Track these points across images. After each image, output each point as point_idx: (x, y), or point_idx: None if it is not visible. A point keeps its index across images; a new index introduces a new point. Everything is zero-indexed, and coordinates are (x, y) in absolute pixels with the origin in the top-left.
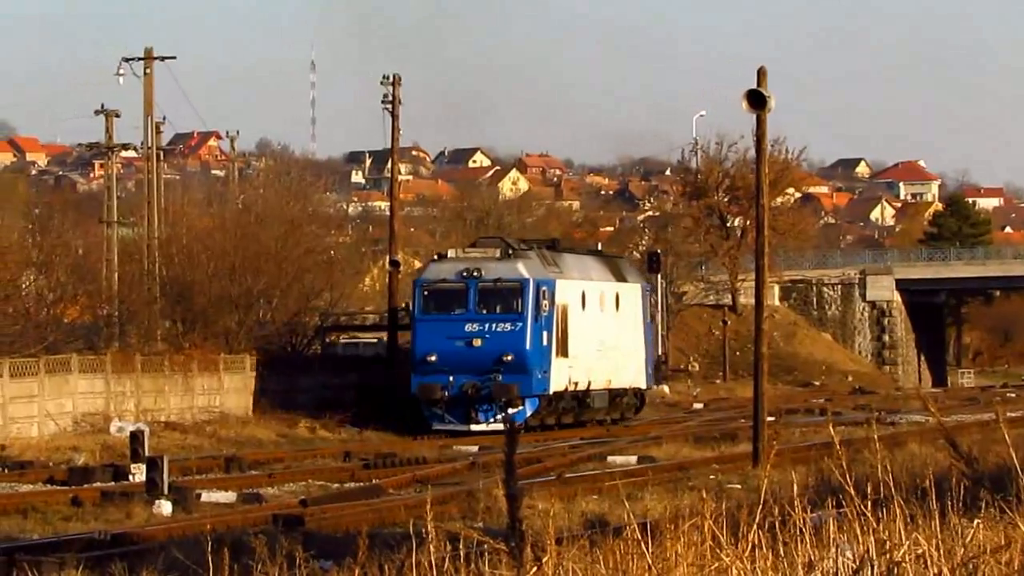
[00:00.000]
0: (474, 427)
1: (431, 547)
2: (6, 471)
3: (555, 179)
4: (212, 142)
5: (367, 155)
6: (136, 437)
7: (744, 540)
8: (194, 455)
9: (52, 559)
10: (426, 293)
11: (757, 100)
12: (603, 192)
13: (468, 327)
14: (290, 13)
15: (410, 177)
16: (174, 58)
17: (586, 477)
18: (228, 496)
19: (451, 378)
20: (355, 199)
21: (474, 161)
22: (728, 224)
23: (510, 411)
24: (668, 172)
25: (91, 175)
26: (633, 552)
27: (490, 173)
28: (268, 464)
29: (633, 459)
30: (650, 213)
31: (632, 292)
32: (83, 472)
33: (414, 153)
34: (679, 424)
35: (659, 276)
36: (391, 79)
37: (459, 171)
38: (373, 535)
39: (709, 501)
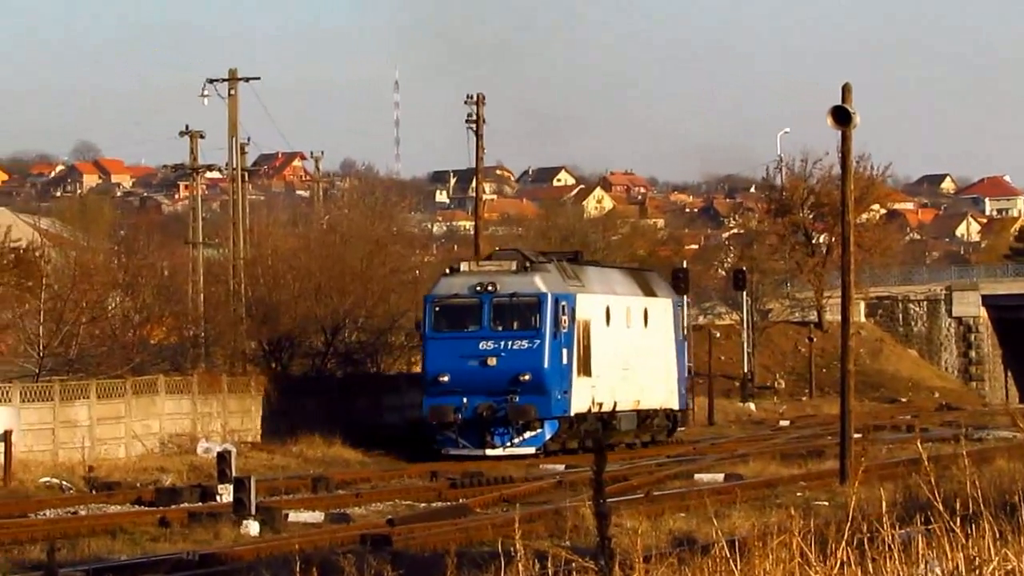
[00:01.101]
0: (489, 452)
1: (520, 565)
2: (94, 492)
3: (640, 197)
4: (296, 163)
5: (451, 174)
6: (223, 457)
7: (832, 557)
8: (281, 475)
9: None
10: (437, 309)
11: (842, 116)
12: (688, 210)
13: (482, 345)
14: (374, 33)
15: (494, 196)
16: (258, 79)
17: (673, 495)
18: (315, 516)
19: (465, 399)
20: (439, 218)
21: (558, 179)
22: (813, 241)
23: (527, 435)
24: (753, 189)
25: (176, 196)
26: (722, 569)
27: (574, 191)
28: (355, 484)
29: (720, 477)
30: (735, 230)
31: (662, 307)
32: (170, 493)
33: (498, 172)
34: (765, 441)
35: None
36: (475, 98)
37: (543, 189)
38: (460, 554)
39: (797, 518)
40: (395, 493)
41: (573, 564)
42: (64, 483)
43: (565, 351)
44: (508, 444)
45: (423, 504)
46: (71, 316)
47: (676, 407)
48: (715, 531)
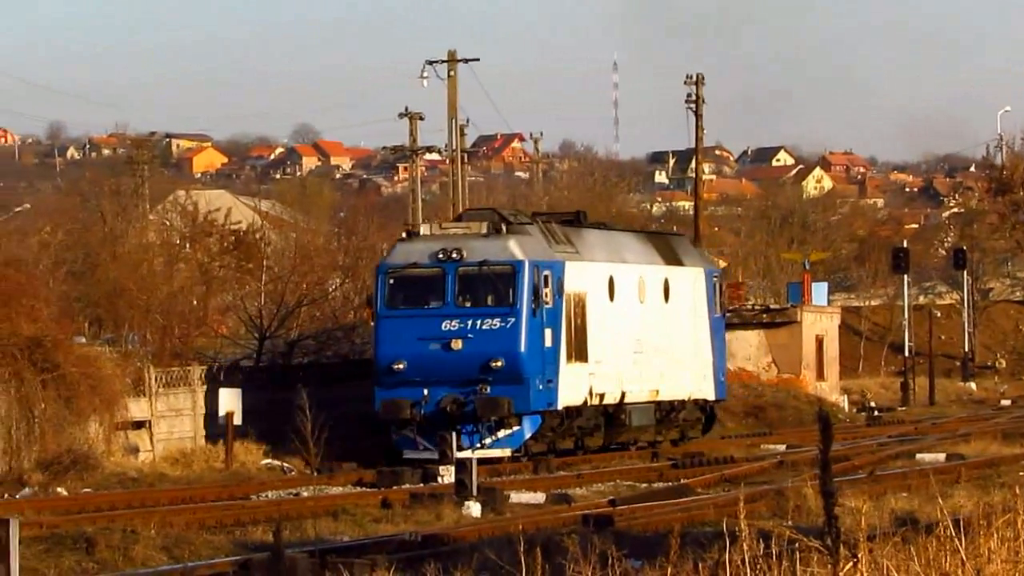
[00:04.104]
0: (456, 455)
1: (744, 545)
2: (317, 474)
3: (859, 177)
4: (516, 144)
5: (670, 155)
6: (444, 439)
7: None
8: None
9: (363, 560)
10: (392, 281)
11: None
12: (907, 189)
13: (445, 325)
14: (592, 14)
15: (714, 176)
16: (477, 60)
17: (895, 475)
18: (537, 497)
19: (425, 392)
20: (659, 199)
21: (777, 159)
22: None
23: (502, 433)
24: (973, 168)
25: (395, 178)
26: (947, 548)
27: (794, 171)
28: (576, 465)
29: (942, 456)
30: (955, 210)
31: (689, 278)
32: (392, 475)
33: (718, 152)
34: (987, 421)
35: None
36: (694, 78)
37: (763, 169)
38: (683, 534)
39: (1021, 497)
40: (616, 474)
41: (797, 543)
42: (285, 465)
43: (549, 331)
44: (478, 445)
45: (644, 485)
46: (291, 298)
47: (711, 397)
48: (939, 510)
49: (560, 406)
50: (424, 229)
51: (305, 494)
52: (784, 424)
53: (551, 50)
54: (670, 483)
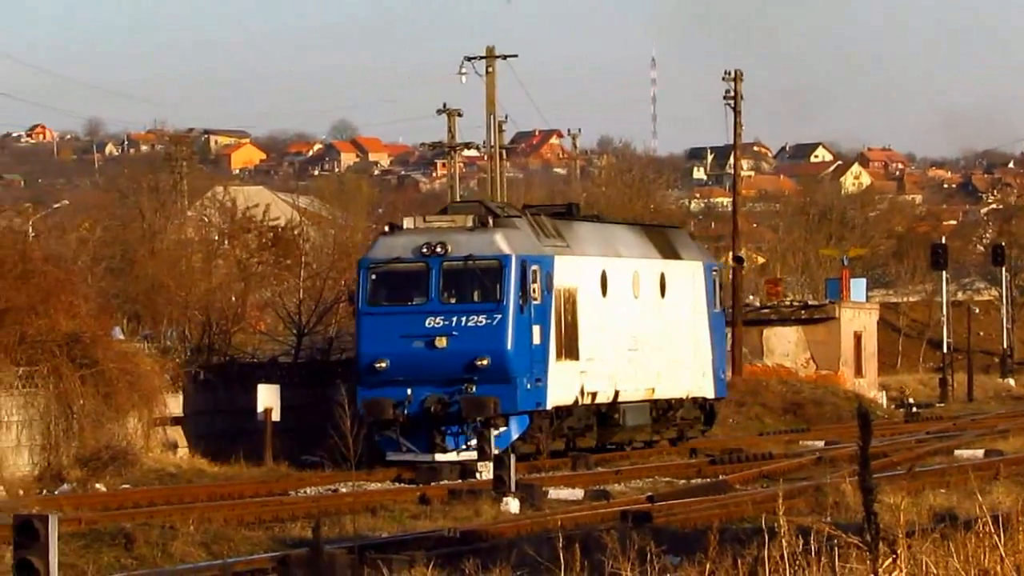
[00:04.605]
0: (440, 457)
1: (783, 541)
2: (355, 471)
3: (897, 173)
4: (554, 140)
5: (708, 151)
6: (481, 434)
7: None
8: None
9: (402, 556)
10: (374, 277)
11: None
12: (946, 185)
13: (429, 322)
14: (631, 10)
15: (752, 173)
16: (516, 56)
17: (933, 471)
18: (575, 493)
19: (408, 391)
20: (697, 195)
21: (816, 156)
22: None
23: (489, 434)
24: (1011, 164)
25: (433, 174)
26: (985, 545)
27: (832, 168)
28: (614, 461)
29: (980, 452)
30: (993, 206)
31: (687, 272)
32: (430, 471)
33: (756, 148)
34: None
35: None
36: (732, 74)
37: (801, 166)
38: (721, 530)
39: None
40: (654, 470)
41: (836, 540)
42: (322, 459)
43: (537, 328)
44: (463, 447)
45: (682, 481)
46: (330, 295)
47: (710, 395)
48: (978, 506)
49: (549, 406)
50: (408, 222)
51: (343, 490)
52: (822, 420)
53: (589, 46)
54: (708, 479)
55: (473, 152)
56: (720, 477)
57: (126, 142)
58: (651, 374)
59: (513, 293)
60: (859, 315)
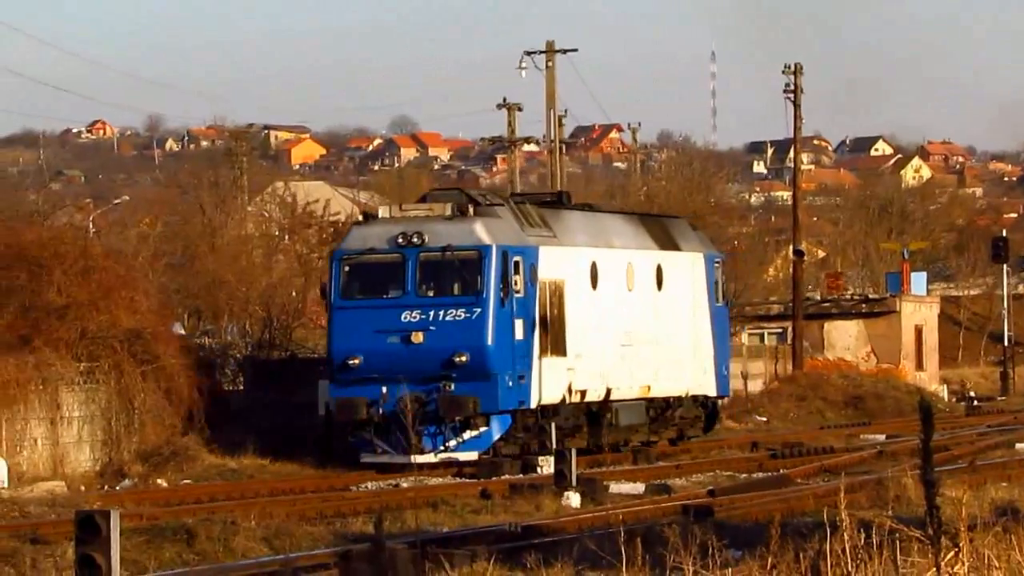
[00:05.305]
0: (417, 458)
1: (845, 535)
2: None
3: (958, 166)
4: (614, 134)
5: (768, 144)
6: (543, 429)
7: None
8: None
9: (464, 551)
10: (347, 269)
11: None
12: (1006, 179)
13: (405, 316)
14: (690, 3)
15: (812, 166)
16: (576, 51)
17: (995, 464)
18: (636, 487)
19: (383, 389)
20: (757, 189)
21: (876, 149)
22: None
23: (468, 435)
24: None
25: (493, 169)
26: None
27: (892, 161)
28: (675, 455)
29: None
30: None
31: (686, 264)
32: (491, 465)
33: (816, 142)
34: None
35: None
36: (792, 68)
37: (861, 159)
38: (783, 524)
39: None
40: (715, 464)
41: (898, 533)
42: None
43: (520, 323)
44: (442, 448)
45: (743, 475)
46: None
47: (712, 393)
48: None
49: (534, 404)
50: (383, 211)
51: (404, 485)
52: (883, 414)
53: (649, 40)
54: (769, 473)
55: (533, 147)
56: (781, 471)
57: (186, 137)
58: (647, 371)
59: (494, 285)
60: (920, 309)
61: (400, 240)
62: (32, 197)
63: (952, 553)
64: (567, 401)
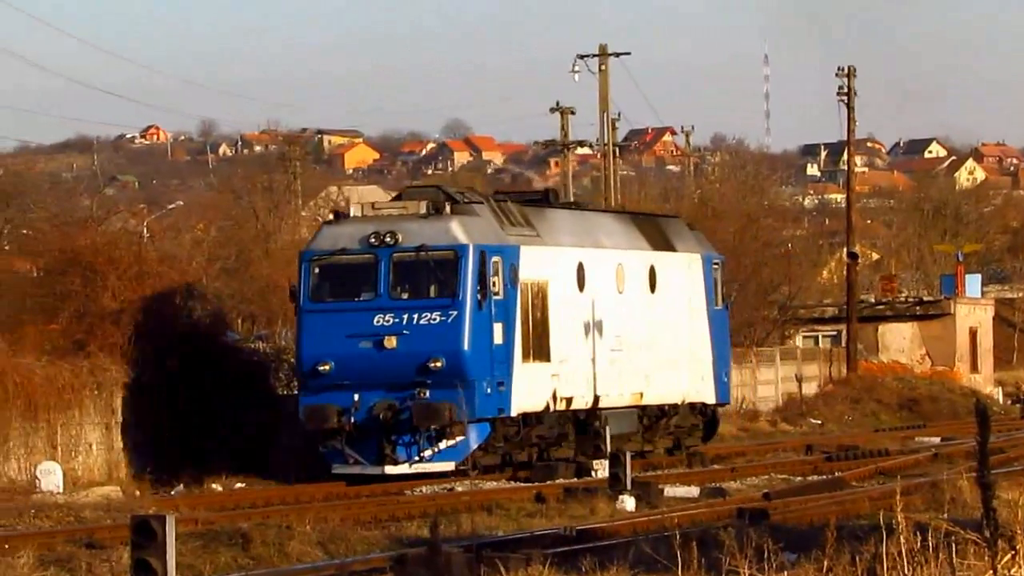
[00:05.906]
0: (390, 469)
1: (901, 538)
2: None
3: (1012, 168)
4: (667, 137)
5: (822, 147)
6: (598, 433)
7: None
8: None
9: (519, 555)
10: (316, 270)
11: None
12: None
13: (378, 320)
14: (743, 6)
15: (865, 169)
16: (628, 54)
17: None
18: (691, 491)
19: (355, 397)
20: (811, 192)
21: (930, 151)
22: None
23: (443, 445)
24: None
25: (547, 172)
26: None
27: (946, 163)
28: (730, 458)
29: None
30: None
31: (681, 265)
32: (546, 469)
33: (869, 144)
34: None
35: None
36: (846, 71)
37: (915, 161)
38: (838, 527)
39: None
40: (770, 467)
41: (954, 536)
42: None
43: (499, 326)
44: (416, 458)
45: (798, 478)
46: None
47: (710, 400)
48: None
49: (514, 412)
50: (355, 210)
51: (459, 489)
52: (938, 417)
53: (702, 43)
54: (824, 476)
55: (586, 150)
56: (836, 474)
57: (239, 142)
58: (638, 377)
59: (471, 287)
60: (974, 311)
61: (372, 240)
62: (86, 202)
63: (1009, 556)
64: (551, 409)
